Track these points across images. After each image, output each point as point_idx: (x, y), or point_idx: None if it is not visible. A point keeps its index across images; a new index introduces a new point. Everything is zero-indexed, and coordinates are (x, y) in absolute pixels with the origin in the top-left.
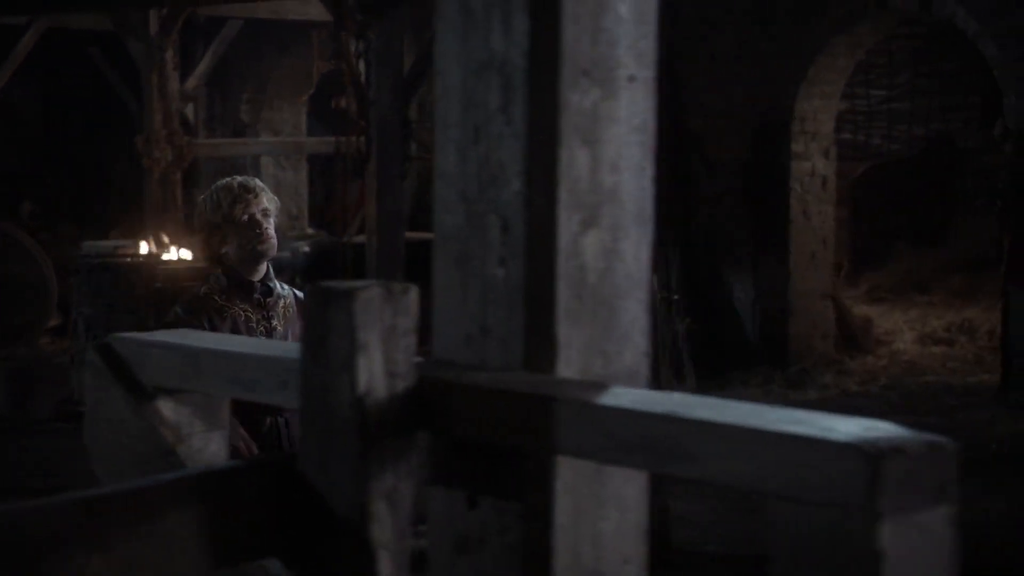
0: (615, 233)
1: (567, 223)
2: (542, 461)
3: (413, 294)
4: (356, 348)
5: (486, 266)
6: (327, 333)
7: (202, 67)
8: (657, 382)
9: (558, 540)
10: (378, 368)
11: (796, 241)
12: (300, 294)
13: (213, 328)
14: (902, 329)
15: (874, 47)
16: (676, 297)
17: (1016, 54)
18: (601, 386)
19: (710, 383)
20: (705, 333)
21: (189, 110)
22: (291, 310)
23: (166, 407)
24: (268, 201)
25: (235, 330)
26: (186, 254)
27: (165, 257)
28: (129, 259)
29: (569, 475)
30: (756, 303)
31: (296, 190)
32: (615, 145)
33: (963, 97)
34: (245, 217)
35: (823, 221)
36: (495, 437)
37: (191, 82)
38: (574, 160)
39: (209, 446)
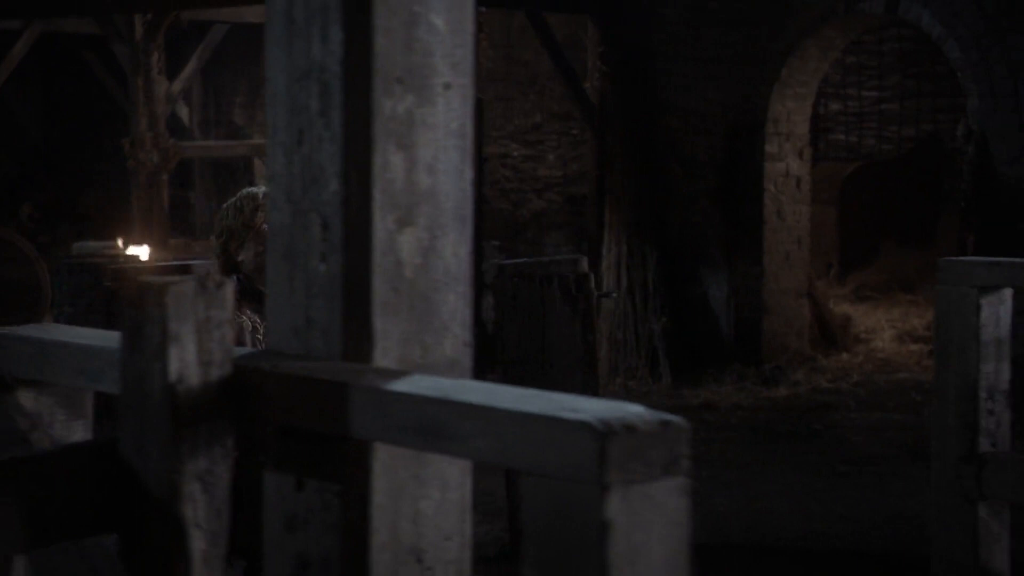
0: (433, 231)
1: (382, 221)
2: (360, 444)
3: (228, 288)
4: (168, 338)
5: (309, 262)
6: (143, 324)
7: (188, 71)
8: (634, 379)
9: (376, 518)
10: (191, 357)
11: (770, 241)
12: None
13: None
14: (883, 327)
15: (865, 49)
16: (652, 296)
17: (977, 57)
18: (395, 373)
19: (685, 380)
20: (681, 331)
21: (184, 113)
22: None
23: (26, 397)
24: None
25: (240, 339)
26: (142, 253)
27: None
28: (108, 260)
29: (387, 457)
30: (730, 302)
31: None
32: (431, 148)
33: (952, 99)
34: (266, 226)
35: (798, 221)
36: (303, 422)
37: (177, 85)
38: (389, 162)
39: (72, 435)
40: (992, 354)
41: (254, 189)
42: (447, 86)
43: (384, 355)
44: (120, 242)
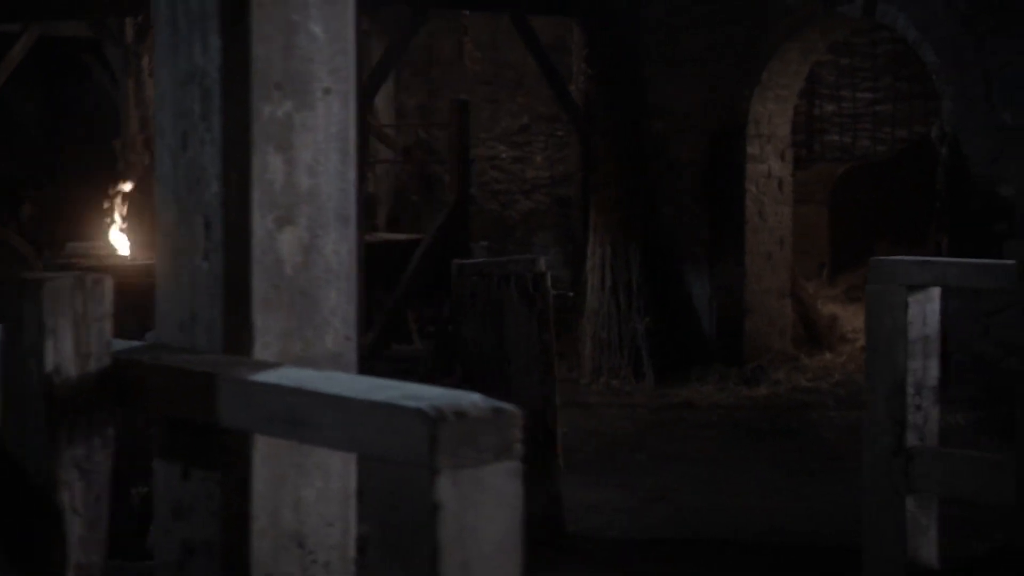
0: (314, 230)
1: (262, 221)
2: (241, 435)
3: (107, 284)
4: (45, 332)
5: (193, 259)
6: (21, 318)
7: None
8: (617, 378)
9: (256, 506)
10: (68, 350)
11: (752, 241)
12: None
13: None
14: None
15: (859, 51)
16: (636, 296)
17: (951, 60)
18: (265, 365)
19: (668, 379)
20: (665, 331)
21: None
22: None
23: None
24: None
25: None
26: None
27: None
28: (93, 260)
29: (267, 447)
30: (713, 302)
31: None
32: (311, 151)
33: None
34: None
35: (780, 222)
36: (181, 413)
37: None
38: (268, 164)
39: None
40: (920, 351)
41: None
42: (327, 91)
43: (264, 349)
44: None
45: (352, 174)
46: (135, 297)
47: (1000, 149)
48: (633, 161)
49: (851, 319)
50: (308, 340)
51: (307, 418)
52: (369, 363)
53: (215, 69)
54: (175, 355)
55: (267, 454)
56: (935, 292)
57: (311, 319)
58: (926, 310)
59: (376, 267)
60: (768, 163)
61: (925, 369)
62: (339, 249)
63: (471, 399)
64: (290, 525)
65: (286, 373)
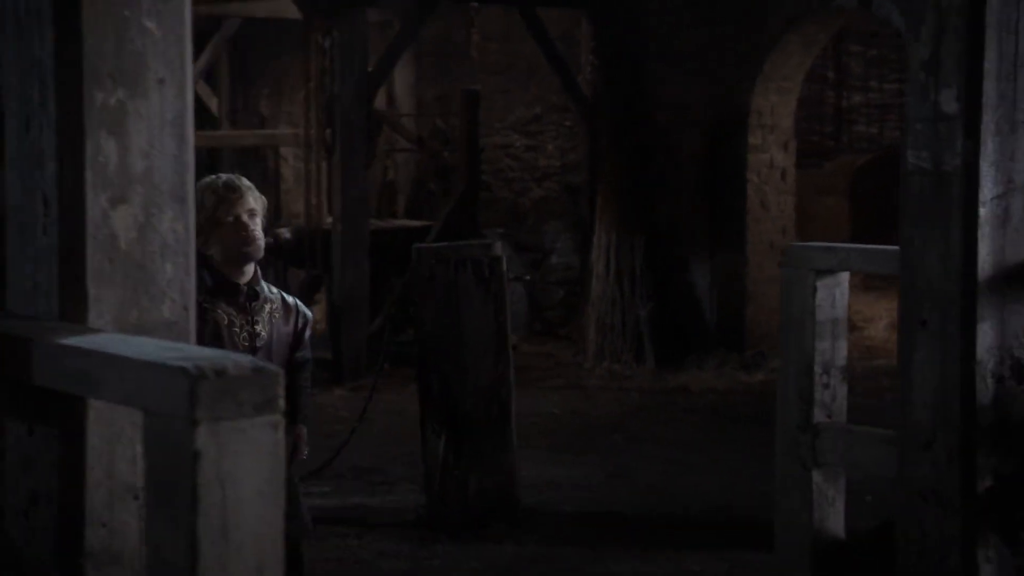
0: (148, 209)
1: (96, 199)
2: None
3: None
4: None
5: (35, 234)
6: None
7: (201, 63)
8: (619, 363)
9: (91, 459)
10: None
11: (753, 230)
12: (289, 298)
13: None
14: (881, 316)
15: (886, 42)
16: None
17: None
18: (78, 330)
19: (669, 364)
20: (666, 317)
21: (213, 103)
22: (278, 314)
23: None
24: (254, 201)
25: (217, 334)
26: None
27: None
28: None
29: (103, 405)
30: (714, 289)
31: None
32: (145, 136)
33: None
34: (230, 218)
35: (782, 211)
36: (15, 374)
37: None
38: (101, 148)
39: None
40: (828, 332)
41: (212, 180)
42: (161, 81)
43: (99, 317)
44: None
45: (189, 158)
46: None
47: None
48: (638, 151)
49: (865, 308)
50: (144, 309)
51: (96, 376)
52: (378, 346)
53: (50, 60)
54: (14, 321)
55: (102, 411)
56: (844, 277)
57: (147, 290)
58: (835, 294)
59: (389, 253)
60: (770, 153)
61: (834, 350)
62: (175, 227)
63: (235, 359)
64: (126, 478)
65: (92, 338)
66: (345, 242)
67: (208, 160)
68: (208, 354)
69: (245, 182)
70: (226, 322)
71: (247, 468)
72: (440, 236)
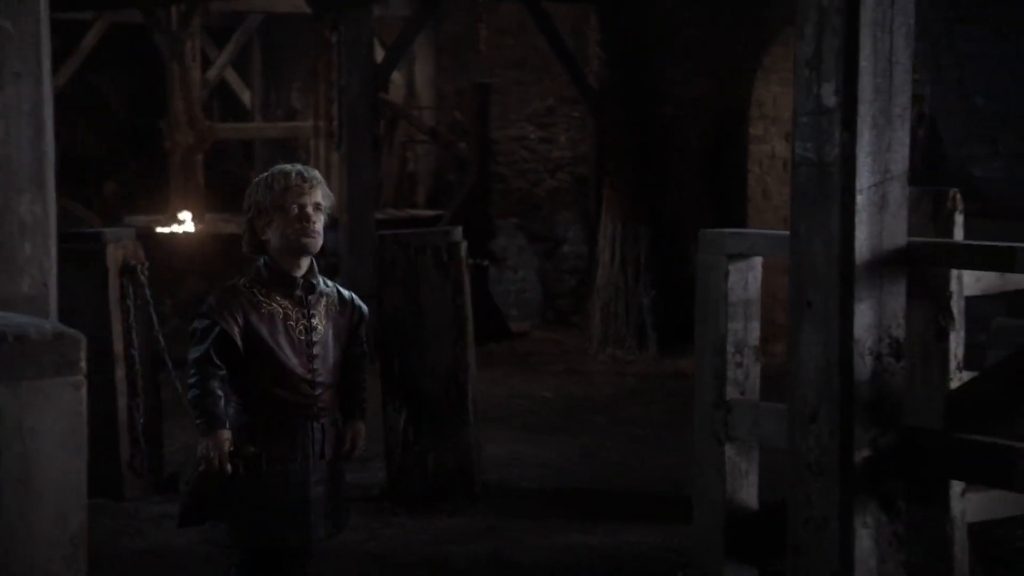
0: (7, 192)
1: None
2: None
3: None
4: None
5: None
6: None
7: (223, 58)
8: (622, 349)
9: None
10: None
11: (755, 219)
12: (345, 292)
13: (248, 323)
14: None
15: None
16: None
17: (927, 45)
18: None
19: (670, 351)
20: (670, 305)
21: (246, 96)
22: (334, 308)
23: None
24: (323, 196)
25: (273, 328)
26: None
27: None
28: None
29: None
30: None
31: (327, 173)
32: (3, 125)
33: None
34: (295, 207)
35: (784, 201)
36: None
37: (213, 72)
38: None
39: None
40: (740, 314)
41: (287, 167)
42: (17, 75)
43: None
44: (179, 216)
45: (47, 146)
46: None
47: (971, 131)
48: (644, 143)
49: None
50: (3, 285)
51: None
52: None
53: None
54: None
55: None
56: (756, 261)
57: (5, 267)
58: (747, 277)
59: None
60: (772, 144)
61: (746, 330)
62: (34, 209)
63: (39, 325)
64: None
65: None
66: (352, 231)
67: (243, 151)
68: (18, 321)
69: (318, 175)
70: (282, 315)
71: (48, 424)
72: (451, 224)
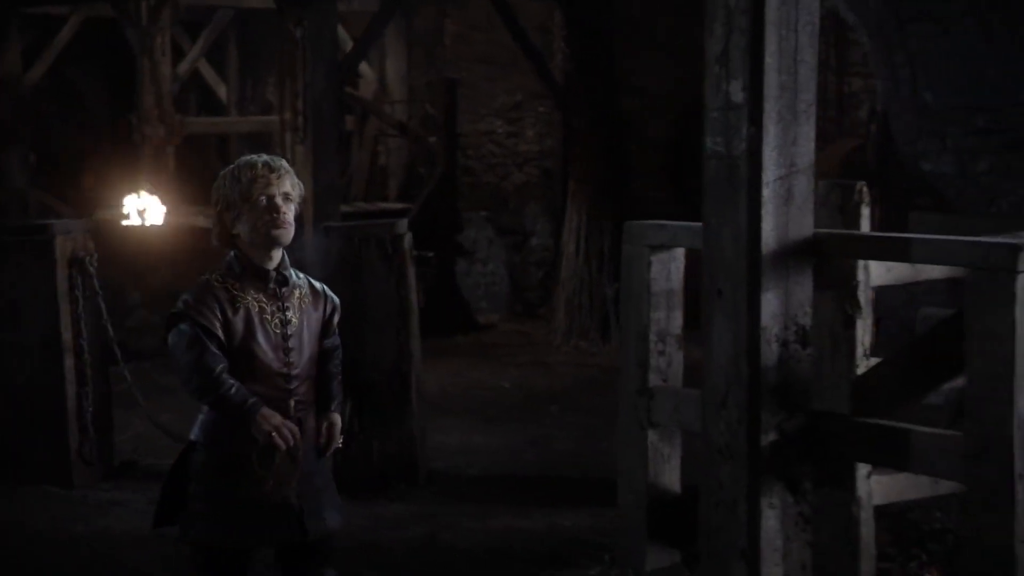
0: None
1: None
2: None
3: None
4: None
5: None
6: None
7: (194, 52)
8: (585, 340)
9: None
10: None
11: None
12: (317, 284)
13: (224, 318)
14: None
15: None
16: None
17: (880, 43)
18: None
19: None
20: None
21: (222, 91)
22: (307, 300)
23: None
24: (291, 186)
25: (248, 321)
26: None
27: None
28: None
29: None
30: None
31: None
32: None
33: None
34: (263, 198)
35: None
36: None
37: (184, 66)
38: None
39: None
40: (663, 304)
41: (254, 158)
42: None
43: None
44: (131, 209)
45: None
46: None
47: (921, 127)
48: (609, 137)
49: None
50: None
51: None
52: None
53: None
54: None
55: None
56: (679, 252)
57: None
58: (670, 268)
59: None
60: None
61: (669, 319)
62: None
63: None
64: None
65: None
66: (317, 225)
67: (219, 146)
68: None
69: (285, 164)
70: (257, 309)
71: None
72: (418, 218)
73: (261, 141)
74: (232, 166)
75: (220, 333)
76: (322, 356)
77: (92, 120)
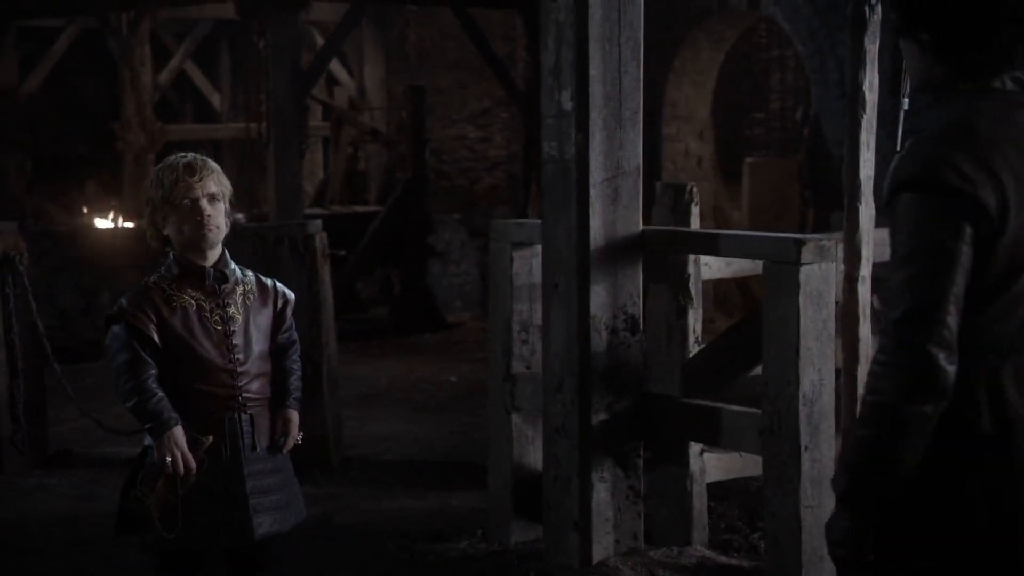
0: None
1: None
2: None
3: None
4: None
5: None
6: None
7: (175, 62)
8: None
9: None
10: None
11: None
12: (267, 280)
13: (161, 320)
14: None
15: None
16: None
17: (813, 50)
18: None
19: None
20: None
21: (216, 99)
22: (252, 296)
23: None
24: (216, 184)
25: (187, 320)
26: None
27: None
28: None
29: None
30: None
31: (311, 170)
32: None
33: None
34: (187, 202)
35: (701, 196)
36: None
37: (164, 75)
38: None
39: None
40: (525, 296)
41: (176, 159)
42: None
43: None
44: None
45: None
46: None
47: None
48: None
49: None
50: None
51: None
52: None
53: None
54: None
55: None
56: (539, 248)
57: None
58: (531, 263)
59: (349, 236)
60: (686, 142)
61: (531, 311)
62: None
63: None
64: None
65: None
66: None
67: (213, 152)
68: None
69: (211, 164)
70: (195, 307)
71: None
72: (386, 220)
73: (256, 145)
74: (157, 167)
75: (155, 335)
76: (277, 352)
77: (93, 127)
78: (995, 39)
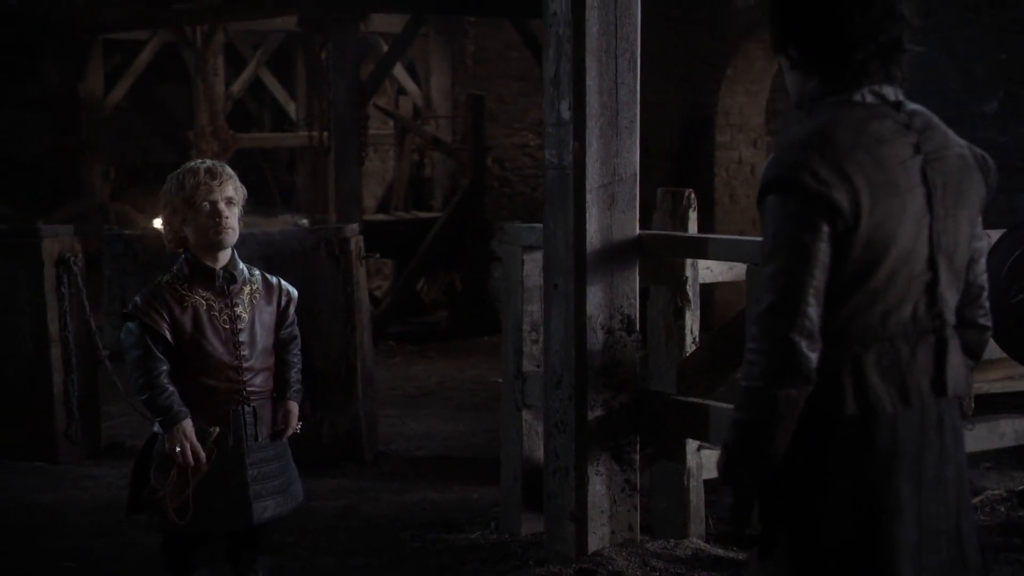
0: None
1: None
2: None
3: None
4: None
5: None
6: None
7: (248, 72)
8: None
9: None
10: None
11: (722, 221)
12: (272, 278)
13: (173, 318)
14: None
15: None
16: None
17: None
18: None
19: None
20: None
21: (291, 108)
22: (258, 295)
23: None
24: (234, 189)
25: (196, 319)
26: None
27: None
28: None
29: None
30: None
31: (383, 177)
32: None
33: None
34: (206, 204)
35: (752, 204)
36: None
37: (237, 85)
38: None
39: None
40: (536, 297)
41: (197, 164)
42: None
43: None
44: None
45: None
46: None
47: None
48: None
49: None
50: None
51: None
52: (384, 326)
53: None
54: None
55: None
56: None
57: None
58: (542, 266)
59: (413, 241)
60: (739, 150)
61: (542, 312)
62: None
63: None
64: None
65: None
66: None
67: (288, 158)
68: None
69: (228, 170)
70: (204, 307)
71: None
72: (446, 225)
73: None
74: (178, 171)
75: (167, 333)
76: (279, 346)
77: (171, 135)
78: (853, 56)
